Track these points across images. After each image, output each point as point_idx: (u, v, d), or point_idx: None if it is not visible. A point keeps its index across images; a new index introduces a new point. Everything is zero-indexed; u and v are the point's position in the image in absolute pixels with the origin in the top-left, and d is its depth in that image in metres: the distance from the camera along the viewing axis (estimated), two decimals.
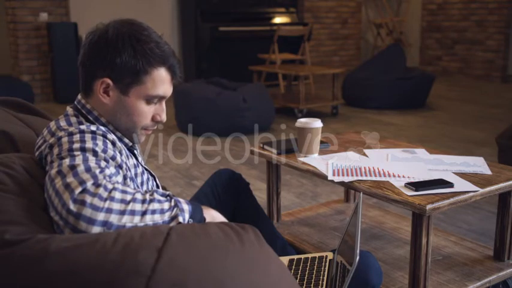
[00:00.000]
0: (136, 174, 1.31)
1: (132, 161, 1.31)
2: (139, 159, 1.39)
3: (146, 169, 1.40)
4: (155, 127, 1.34)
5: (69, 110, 1.30)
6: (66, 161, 1.09)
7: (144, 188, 1.35)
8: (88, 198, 1.02)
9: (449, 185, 1.59)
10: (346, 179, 1.69)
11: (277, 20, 7.15)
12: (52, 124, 1.27)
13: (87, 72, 1.27)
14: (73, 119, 1.27)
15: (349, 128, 4.75)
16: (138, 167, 1.34)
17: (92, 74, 1.26)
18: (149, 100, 1.27)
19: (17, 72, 6.09)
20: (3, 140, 1.42)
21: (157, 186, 1.44)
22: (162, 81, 1.26)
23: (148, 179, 1.38)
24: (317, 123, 1.92)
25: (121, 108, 1.27)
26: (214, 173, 1.81)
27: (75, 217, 1.01)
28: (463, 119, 5.18)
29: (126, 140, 1.32)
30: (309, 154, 1.91)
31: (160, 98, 1.30)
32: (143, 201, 1.07)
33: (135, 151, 1.37)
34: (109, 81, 1.24)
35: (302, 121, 1.93)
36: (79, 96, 1.31)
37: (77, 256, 0.94)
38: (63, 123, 1.26)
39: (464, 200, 1.56)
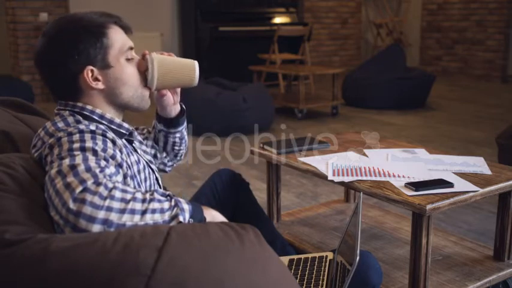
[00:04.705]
0: (139, 171, 1.32)
1: (133, 158, 1.31)
2: (139, 151, 1.39)
3: (147, 163, 1.40)
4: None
5: (63, 111, 1.29)
6: (66, 161, 1.10)
7: (147, 183, 1.36)
8: (88, 197, 1.02)
9: (449, 185, 1.59)
10: (346, 179, 1.69)
11: (277, 20, 7.15)
12: (49, 125, 1.27)
13: (64, 78, 1.27)
14: (70, 119, 1.27)
15: (349, 128, 4.74)
16: (139, 162, 1.34)
17: (69, 76, 1.27)
18: (127, 57, 1.31)
19: (17, 72, 6.09)
20: (3, 140, 1.42)
21: (157, 180, 1.45)
22: (120, 35, 1.31)
23: (149, 173, 1.39)
24: (150, 58, 1.33)
25: (115, 81, 1.29)
26: (214, 173, 1.81)
27: (75, 215, 1.01)
28: (463, 119, 5.18)
29: (126, 125, 1.34)
30: (193, 75, 1.37)
31: (131, 49, 1.33)
32: (143, 201, 1.08)
33: (134, 143, 1.37)
34: (90, 67, 1.26)
35: (150, 75, 1.34)
36: (62, 101, 1.31)
37: (77, 255, 0.94)
38: (61, 124, 1.26)
39: (464, 200, 1.56)
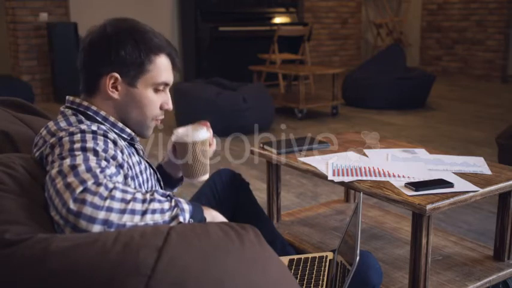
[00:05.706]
0: (140, 171, 1.32)
1: (134, 159, 1.31)
2: (141, 153, 1.39)
3: (149, 163, 1.40)
4: (163, 116, 1.37)
5: (67, 110, 1.30)
6: (67, 161, 1.10)
7: (149, 184, 1.36)
8: (89, 197, 1.02)
9: (449, 185, 1.59)
10: (346, 179, 1.69)
11: (277, 20, 7.15)
12: (51, 124, 1.27)
13: (91, 72, 1.29)
14: (72, 119, 1.27)
15: (349, 128, 4.74)
16: (141, 163, 1.34)
17: (96, 72, 1.28)
18: (156, 88, 1.31)
19: (17, 72, 6.09)
20: (3, 140, 1.42)
21: (159, 181, 1.45)
22: (165, 68, 1.31)
23: (151, 174, 1.39)
24: (202, 133, 1.39)
25: (131, 100, 1.30)
26: (214, 173, 1.81)
27: (76, 216, 1.01)
28: (463, 119, 5.18)
29: (128, 130, 1.33)
30: (197, 177, 1.40)
31: (165, 85, 1.33)
32: (143, 201, 1.08)
33: (135, 145, 1.37)
34: (116, 75, 1.26)
35: (180, 132, 1.38)
36: (70, 98, 1.32)
37: (77, 255, 0.94)
38: (63, 123, 1.26)
39: (464, 200, 1.56)
